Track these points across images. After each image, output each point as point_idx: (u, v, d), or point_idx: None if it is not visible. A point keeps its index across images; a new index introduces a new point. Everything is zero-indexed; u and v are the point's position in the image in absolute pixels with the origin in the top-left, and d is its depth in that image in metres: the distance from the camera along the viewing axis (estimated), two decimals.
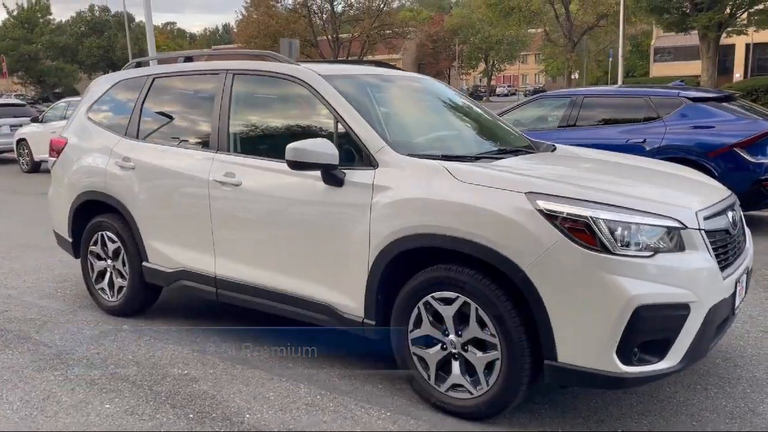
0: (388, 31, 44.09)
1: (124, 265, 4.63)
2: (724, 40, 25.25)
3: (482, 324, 3.02)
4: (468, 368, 3.13)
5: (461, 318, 3.11)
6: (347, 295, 3.48)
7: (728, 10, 22.26)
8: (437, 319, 3.19)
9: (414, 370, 3.30)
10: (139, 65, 4.98)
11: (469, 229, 2.95)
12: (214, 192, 3.95)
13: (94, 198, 4.71)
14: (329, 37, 44.48)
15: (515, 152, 3.89)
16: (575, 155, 4.08)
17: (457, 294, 3.07)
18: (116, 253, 4.68)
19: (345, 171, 3.43)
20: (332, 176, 3.43)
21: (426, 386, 3.26)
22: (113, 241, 4.66)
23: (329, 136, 3.60)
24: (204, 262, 4.11)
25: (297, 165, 3.41)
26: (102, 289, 4.84)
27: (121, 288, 4.70)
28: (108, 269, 4.77)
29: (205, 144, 4.15)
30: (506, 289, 2.94)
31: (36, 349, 4.18)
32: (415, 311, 3.23)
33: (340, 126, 3.56)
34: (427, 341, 3.25)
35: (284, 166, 3.62)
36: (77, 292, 5.42)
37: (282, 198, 3.67)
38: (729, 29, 23.40)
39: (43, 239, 7.54)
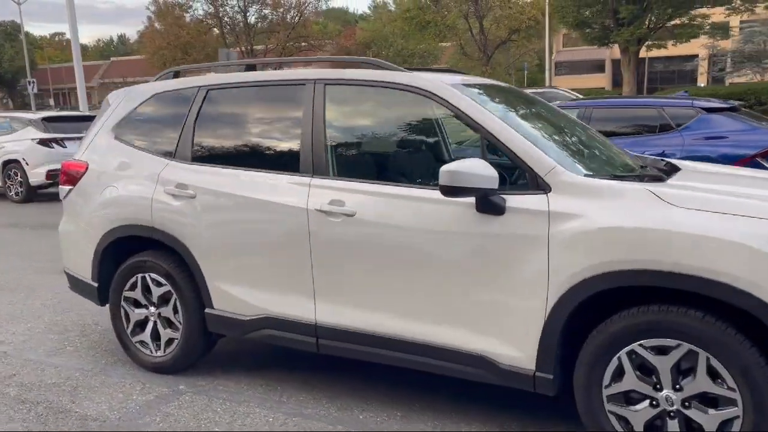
0: (303, 44, 43.32)
1: (175, 312, 3.86)
2: (620, 54, 26.38)
3: (713, 376, 2.57)
4: (689, 427, 2.66)
5: (679, 369, 2.64)
6: (511, 344, 2.93)
7: (647, 25, 23.22)
8: (644, 371, 2.71)
9: (610, 429, 2.80)
10: (177, 75, 4.21)
11: (704, 265, 2.49)
12: (317, 223, 3.30)
13: (133, 233, 3.91)
14: (242, 48, 43.15)
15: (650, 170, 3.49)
16: (722, 172, 3.71)
17: (679, 341, 2.59)
18: (164, 299, 3.89)
19: (503, 196, 2.90)
20: (490, 203, 2.88)
21: None
22: (159, 285, 3.87)
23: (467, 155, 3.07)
24: (299, 306, 3.43)
25: (452, 191, 2.84)
26: (142, 342, 4.02)
27: (171, 340, 3.91)
28: (151, 318, 3.97)
29: (291, 167, 3.48)
30: (748, 334, 2.50)
31: (85, 425, 3.35)
32: (614, 362, 2.73)
33: (486, 144, 3.04)
34: (628, 397, 2.76)
35: (416, 191, 3.09)
36: (91, 344, 4.54)
37: (418, 229, 3.07)
38: (648, 43, 24.43)
39: (5, 276, 6.46)
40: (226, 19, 43.44)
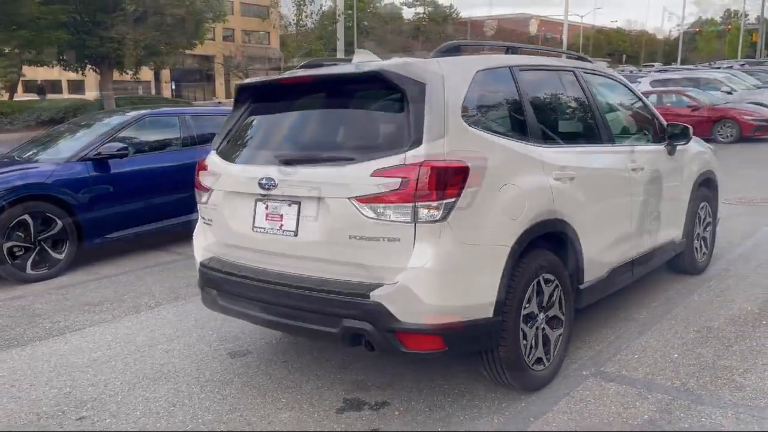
0: None
1: (560, 307, 3.59)
2: None
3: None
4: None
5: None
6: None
7: None
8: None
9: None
10: (458, 49, 3.44)
11: None
12: (632, 177, 4.25)
13: (541, 231, 3.38)
14: None
15: None
16: None
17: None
18: (551, 297, 3.53)
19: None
20: None
21: None
22: (548, 282, 3.49)
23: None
24: (626, 249, 4.22)
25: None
26: (538, 360, 3.44)
27: (557, 340, 3.58)
28: (540, 327, 3.45)
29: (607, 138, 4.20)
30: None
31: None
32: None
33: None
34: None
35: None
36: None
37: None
38: None
39: None
40: None
